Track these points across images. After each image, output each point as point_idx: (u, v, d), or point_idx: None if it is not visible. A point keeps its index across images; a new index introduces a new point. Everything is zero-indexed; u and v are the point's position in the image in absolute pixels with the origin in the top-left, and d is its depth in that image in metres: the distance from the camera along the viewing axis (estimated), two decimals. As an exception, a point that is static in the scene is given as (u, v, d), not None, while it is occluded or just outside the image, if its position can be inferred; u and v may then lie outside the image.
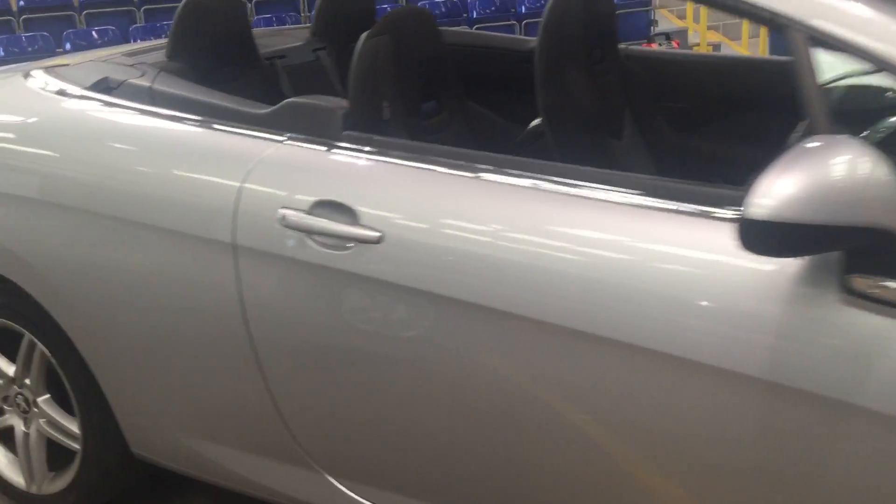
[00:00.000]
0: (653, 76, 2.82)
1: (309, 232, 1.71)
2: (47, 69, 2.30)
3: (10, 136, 2.12)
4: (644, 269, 1.45)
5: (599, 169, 1.61)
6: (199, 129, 1.94)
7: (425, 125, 2.14)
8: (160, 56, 2.41)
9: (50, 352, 2.20)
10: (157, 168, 1.90)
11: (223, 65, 2.41)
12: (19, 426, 2.36)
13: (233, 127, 1.92)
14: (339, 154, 1.79)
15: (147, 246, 1.89)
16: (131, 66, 2.25)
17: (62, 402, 2.29)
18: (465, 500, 1.76)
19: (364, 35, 2.02)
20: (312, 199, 1.72)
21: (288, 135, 1.84)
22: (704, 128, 2.85)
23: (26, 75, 2.28)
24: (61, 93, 2.13)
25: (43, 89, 2.18)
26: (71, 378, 2.19)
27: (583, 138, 2.47)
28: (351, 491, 1.87)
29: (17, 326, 2.24)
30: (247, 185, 1.79)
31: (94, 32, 7.61)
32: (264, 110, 1.93)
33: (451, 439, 1.70)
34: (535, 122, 2.65)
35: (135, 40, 7.72)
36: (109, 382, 2.09)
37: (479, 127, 2.37)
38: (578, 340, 1.47)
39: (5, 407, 2.38)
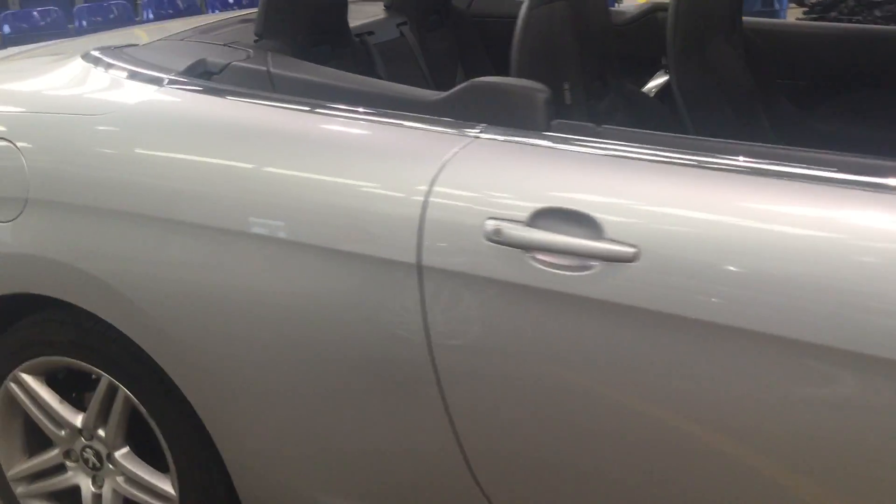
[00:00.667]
0: (773, 49, 2.53)
1: (529, 248, 1.36)
2: (114, 51, 1.88)
3: (93, 136, 1.69)
4: None
5: None
6: (357, 123, 1.56)
7: (598, 110, 1.80)
8: (237, 35, 2.01)
9: (138, 397, 1.79)
10: (309, 174, 1.52)
11: (318, 43, 2.02)
12: (87, 485, 1.95)
13: (401, 119, 1.54)
14: (556, 148, 1.43)
15: (298, 269, 1.51)
16: (223, 45, 1.85)
17: (142, 455, 1.90)
18: None
19: (530, 0, 1.66)
20: (534, 206, 1.36)
21: (481, 126, 1.48)
22: (824, 106, 2.58)
23: (89, 59, 1.86)
24: (153, 80, 1.72)
25: (125, 76, 1.76)
26: (167, 429, 1.79)
27: (728, 123, 2.16)
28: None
29: (91, 367, 1.82)
30: (435, 192, 1.42)
31: (35, 13, 6.96)
32: (435, 96, 1.56)
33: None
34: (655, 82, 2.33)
35: (80, 21, 7.13)
36: (230, 434, 1.69)
37: (641, 110, 2.03)
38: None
39: (68, 463, 1.96)
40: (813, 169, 1.28)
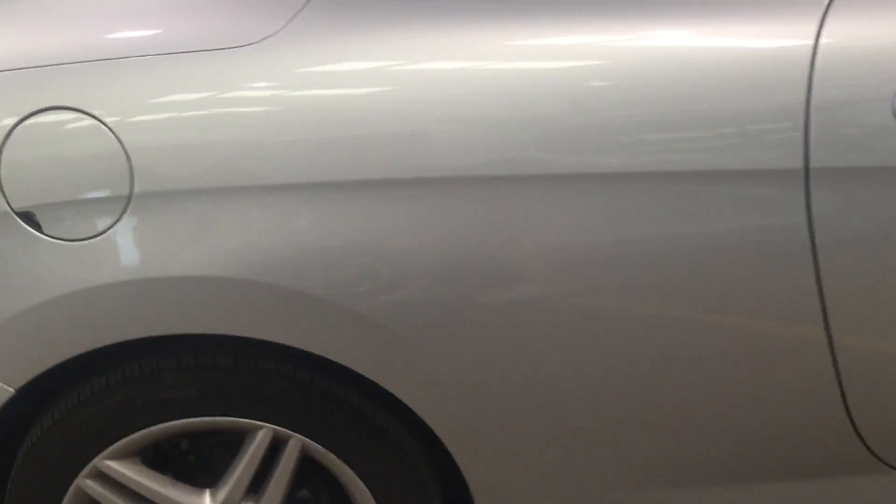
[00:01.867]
0: None
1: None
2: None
3: (254, 79, 1.11)
4: None
5: None
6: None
7: None
8: None
9: (328, 443, 1.27)
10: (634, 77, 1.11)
11: None
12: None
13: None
14: None
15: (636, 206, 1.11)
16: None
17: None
18: None
19: None
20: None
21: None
22: None
23: None
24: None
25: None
26: (377, 478, 1.29)
27: None
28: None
29: (241, 422, 1.25)
30: (819, 72, 1.09)
31: None
32: None
33: None
34: None
35: None
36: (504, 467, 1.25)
37: None
38: None
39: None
40: None
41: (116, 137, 1.09)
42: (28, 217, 1.11)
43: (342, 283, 1.12)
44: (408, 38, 1.12)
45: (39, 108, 1.09)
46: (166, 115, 1.11)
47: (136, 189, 1.10)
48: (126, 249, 1.11)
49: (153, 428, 1.25)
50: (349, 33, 1.12)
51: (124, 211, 1.10)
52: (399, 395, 1.20)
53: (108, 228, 1.11)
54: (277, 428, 1.25)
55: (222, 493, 1.29)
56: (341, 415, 1.26)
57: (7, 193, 1.10)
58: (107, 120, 1.09)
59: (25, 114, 1.09)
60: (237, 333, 1.15)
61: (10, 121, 1.09)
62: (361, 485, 1.30)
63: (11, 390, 1.18)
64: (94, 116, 1.09)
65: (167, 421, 1.25)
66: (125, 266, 1.12)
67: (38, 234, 1.11)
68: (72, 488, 1.27)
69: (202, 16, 1.16)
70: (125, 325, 1.15)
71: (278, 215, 1.10)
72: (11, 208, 1.10)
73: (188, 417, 1.25)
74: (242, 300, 1.13)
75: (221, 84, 1.11)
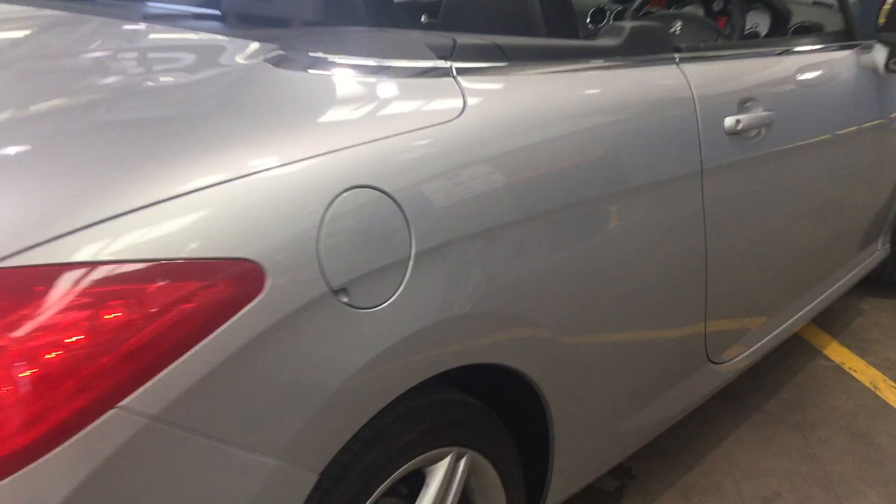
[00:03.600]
0: None
1: (748, 130, 1.94)
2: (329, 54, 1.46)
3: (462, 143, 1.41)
4: None
5: None
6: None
7: None
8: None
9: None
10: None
11: None
12: None
13: (605, 64, 1.80)
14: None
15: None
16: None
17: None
18: None
19: None
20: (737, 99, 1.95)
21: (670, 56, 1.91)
22: None
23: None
24: (437, 72, 1.49)
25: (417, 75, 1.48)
26: (504, 468, 1.60)
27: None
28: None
29: (438, 451, 1.46)
30: (698, 107, 1.82)
31: None
32: (613, 41, 1.81)
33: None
34: None
35: None
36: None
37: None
38: None
39: None
40: None
41: (398, 206, 1.24)
42: (340, 294, 1.18)
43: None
44: None
45: (342, 188, 1.18)
46: (433, 181, 1.29)
47: (415, 249, 1.26)
48: (419, 302, 1.26)
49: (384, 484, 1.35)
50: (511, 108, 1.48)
51: (406, 270, 1.25)
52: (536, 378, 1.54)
53: (398, 289, 1.24)
54: (461, 448, 1.46)
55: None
56: (483, 419, 1.51)
57: (327, 274, 1.15)
58: (392, 192, 1.23)
59: (333, 196, 1.17)
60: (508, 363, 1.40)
61: (323, 203, 1.16)
62: (495, 477, 1.56)
63: (314, 477, 1.20)
64: (382, 191, 1.22)
65: (396, 469, 1.36)
66: (418, 318, 1.26)
67: (351, 307, 1.18)
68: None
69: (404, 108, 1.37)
70: (427, 366, 1.29)
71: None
72: (331, 288, 1.16)
73: (411, 460, 1.38)
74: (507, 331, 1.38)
75: (461, 149, 1.34)
